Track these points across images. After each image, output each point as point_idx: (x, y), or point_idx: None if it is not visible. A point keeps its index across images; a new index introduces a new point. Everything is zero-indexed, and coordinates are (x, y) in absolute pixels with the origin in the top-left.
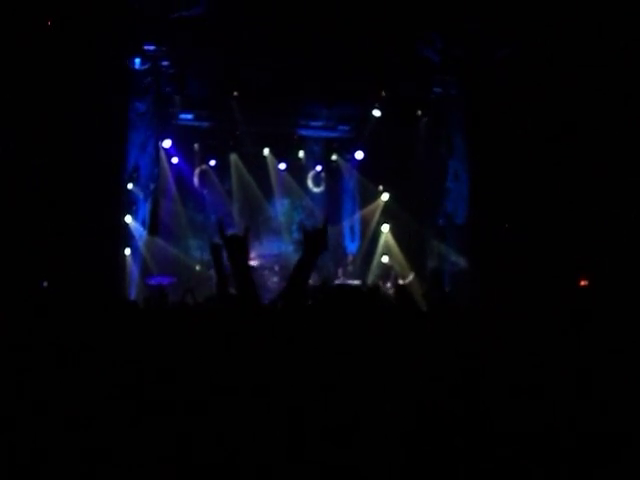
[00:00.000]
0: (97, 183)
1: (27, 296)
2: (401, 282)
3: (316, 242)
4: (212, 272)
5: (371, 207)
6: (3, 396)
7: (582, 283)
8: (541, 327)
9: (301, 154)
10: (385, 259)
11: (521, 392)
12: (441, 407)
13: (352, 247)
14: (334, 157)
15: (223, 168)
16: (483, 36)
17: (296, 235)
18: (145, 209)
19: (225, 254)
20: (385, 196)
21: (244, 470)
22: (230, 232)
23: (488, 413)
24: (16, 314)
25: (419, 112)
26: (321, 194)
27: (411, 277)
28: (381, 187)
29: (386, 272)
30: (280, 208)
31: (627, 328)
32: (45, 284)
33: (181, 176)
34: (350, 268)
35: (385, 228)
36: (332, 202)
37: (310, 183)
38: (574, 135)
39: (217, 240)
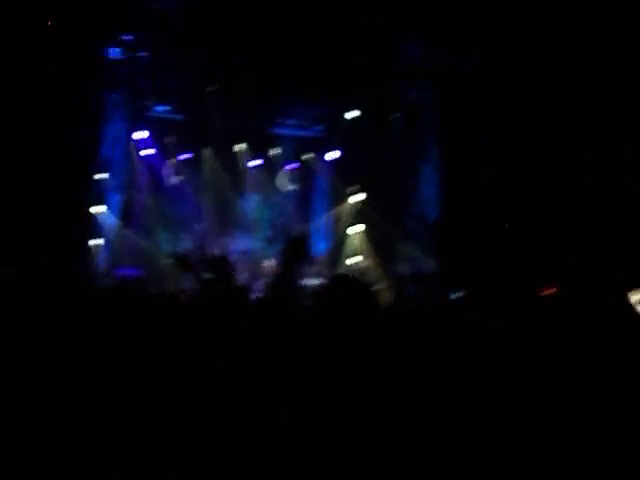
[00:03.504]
0: (67, 172)
1: None
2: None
3: (297, 249)
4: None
5: (342, 208)
6: None
7: (549, 290)
8: (505, 328)
9: (274, 152)
10: (352, 261)
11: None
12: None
13: (320, 247)
14: (307, 156)
15: (196, 162)
16: (459, 44)
17: (267, 232)
18: (116, 200)
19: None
20: (357, 197)
21: (242, 468)
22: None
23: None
24: None
25: (393, 115)
26: (293, 192)
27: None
28: (353, 188)
29: (354, 273)
30: (251, 204)
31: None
32: (8, 270)
33: (153, 168)
34: (316, 268)
35: (355, 229)
36: (303, 201)
37: (283, 181)
38: (545, 143)
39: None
